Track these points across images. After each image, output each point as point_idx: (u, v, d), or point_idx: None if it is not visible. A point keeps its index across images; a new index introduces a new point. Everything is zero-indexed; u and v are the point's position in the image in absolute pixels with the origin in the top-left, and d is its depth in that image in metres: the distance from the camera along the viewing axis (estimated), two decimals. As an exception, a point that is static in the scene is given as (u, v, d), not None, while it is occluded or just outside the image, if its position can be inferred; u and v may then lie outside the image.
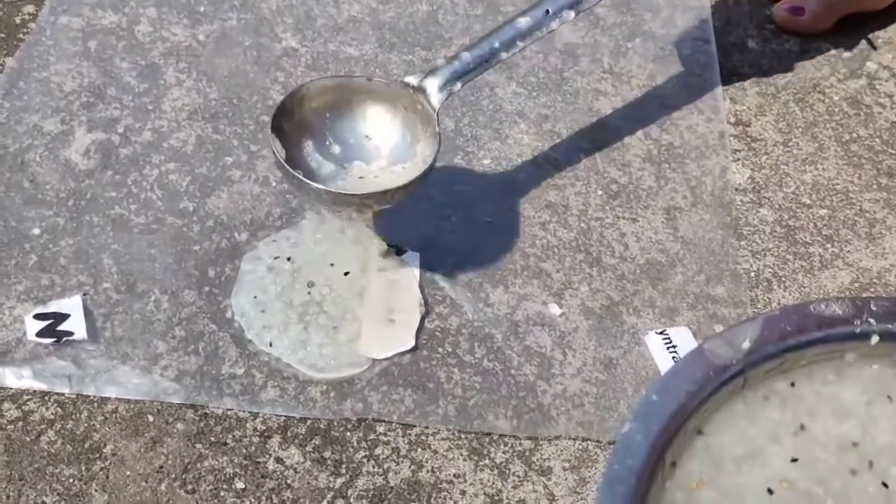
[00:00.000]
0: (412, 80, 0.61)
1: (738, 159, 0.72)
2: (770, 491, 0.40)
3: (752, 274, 0.65)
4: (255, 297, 0.59)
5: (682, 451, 0.41)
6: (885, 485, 0.40)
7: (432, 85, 0.60)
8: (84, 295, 0.59)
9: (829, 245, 0.67)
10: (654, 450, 0.39)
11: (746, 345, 0.42)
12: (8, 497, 0.51)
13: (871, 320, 0.44)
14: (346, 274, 0.61)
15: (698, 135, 0.72)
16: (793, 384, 0.43)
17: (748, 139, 0.73)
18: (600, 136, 0.71)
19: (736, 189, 0.70)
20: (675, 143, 0.72)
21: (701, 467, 0.41)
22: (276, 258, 0.61)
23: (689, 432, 0.41)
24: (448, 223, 0.65)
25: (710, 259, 0.65)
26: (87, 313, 0.58)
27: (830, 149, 0.73)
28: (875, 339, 0.43)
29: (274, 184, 0.66)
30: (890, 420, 0.42)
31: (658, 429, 0.40)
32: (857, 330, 0.43)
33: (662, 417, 0.40)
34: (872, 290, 0.64)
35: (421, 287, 0.62)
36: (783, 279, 0.65)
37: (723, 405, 0.42)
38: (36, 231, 0.62)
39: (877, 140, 0.73)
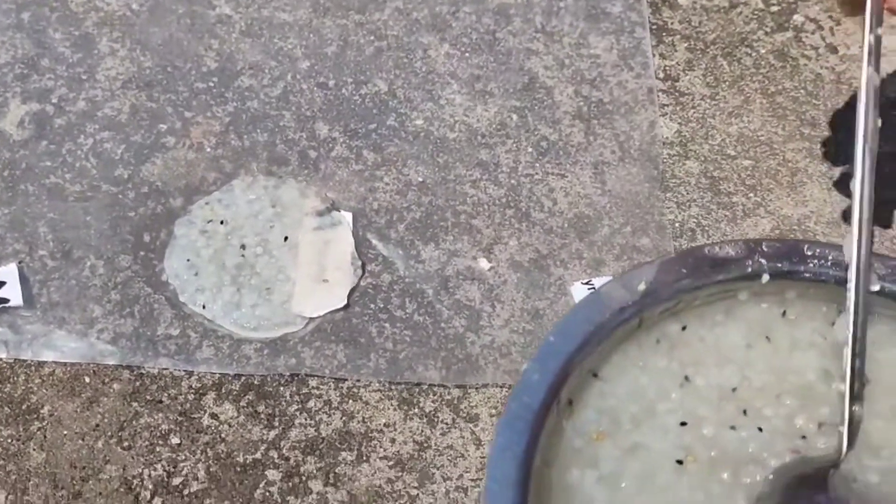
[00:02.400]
0: None
1: (666, 114, 0.73)
2: (679, 462, 0.42)
3: (677, 224, 0.67)
4: (189, 261, 0.61)
5: (578, 393, 0.43)
6: (759, 430, 0.42)
7: None
8: (20, 263, 0.60)
9: (751, 194, 0.69)
10: (550, 388, 0.41)
11: (642, 287, 0.44)
12: (-52, 458, 0.53)
13: (762, 260, 0.46)
14: (285, 239, 0.63)
15: (628, 91, 0.74)
16: (684, 328, 0.45)
17: (676, 94, 0.75)
18: (531, 94, 0.73)
19: (663, 143, 0.71)
20: (604, 100, 0.73)
21: (599, 417, 0.43)
22: (209, 222, 0.63)
23: (585, 373, 0.43)
24: (380, 183, 0.67)
25: (636, 211, 0.67)
26: (24, 280, 0.59)
27: (756, 101, 0.74)
28: (766, 277, 0.45)
29: (208, 150, 0.67)
30: (767, 361, 0.44)
31: (554, 367, 0.41)
32: (749, 269, 0.45)
33: (559, 357, 0.42)
34: (792, 236, 0.67)
35: (354, 246, 0.63)
36: (707, 228, 0.67)
37: (618, 347, 0.44)
38: (-27, 202, 0.63)
39: (801, 91, 0.75)
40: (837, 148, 0.71)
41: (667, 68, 0.76)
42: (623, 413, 0.43)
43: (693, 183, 0.69)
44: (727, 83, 0.75)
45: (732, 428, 0.42)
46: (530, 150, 0.70)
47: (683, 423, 0.43)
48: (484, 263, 0.64)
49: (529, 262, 0.64)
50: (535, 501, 0.39)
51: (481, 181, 0.68)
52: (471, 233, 0.65)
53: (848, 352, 0.41)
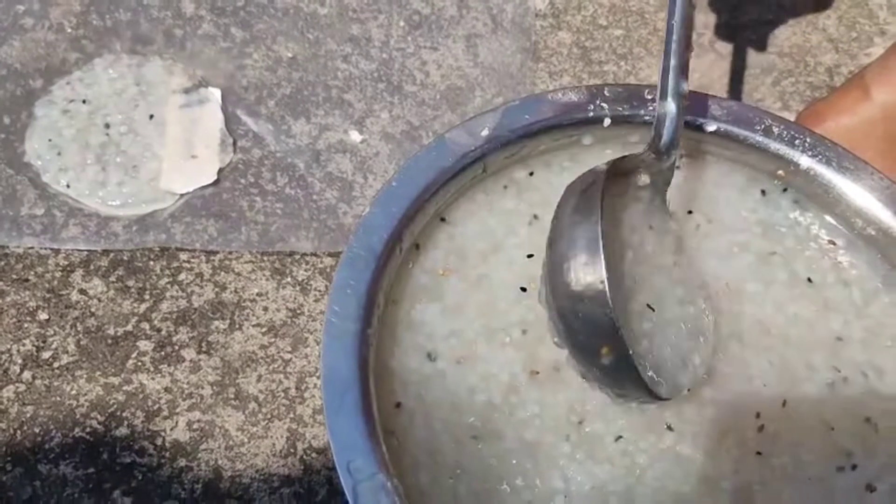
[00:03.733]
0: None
1: (539, -14, 0.73)
2: (523, 289, 0.43)
3: (548, 93, 0.68)
4: (50, 140, 0.60)
5: (426, 237, 0.44)
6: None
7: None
8: None
9: (622, 63, 0.70)
10: (392, 230, 0.42)
11: (486, 132, 0.45)
12: None
13: (604, 105, 0.47)
14: (151, 117, 0.62)
15: (501, -36, 0.74)
16: (531, 174, 0.47)
17: (549, -34, 0.75)
18: (403, -32, 0.72)
19: (536, 15, 0.72)
20: (477, -27, 0.73)
21: (447, 257, 0.44)
22: (71, 101, 0.61)
23: (431, 217, 0.44)
24: (249, 60, 0.66)
25: (508, 82, 0.68)
26: None
27: (628, -28, 0.75)
28: (607, 121, 0.47)
29: (69, 30, 0.65)
30: None
31: (396, 211, 0.42)
32: (591, 114, 0.47)
33: (402, 201, 0.43)
34: (659, 101, 0.68)
35: (224, 123, 0.63)
36: (576, 96, 0.68)
37: (464, 193, 0.45)
38: None
39: (672, -39, 0.75)
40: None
41: (540, -59, 0.76)
42: (470, 250, 0.44)
43: (565, 53, 0.70)
44: (600, -45, 0.76)
45: None
46: (402, 24, 0.70)
47: (530, 256, 0.44)
48: (356, 136, 0.64)
49: (402, 134, 0.65)
50: (380, 336, 0.41)
51: (352, 56, 0.68)
52: (342, 107, 0.65)
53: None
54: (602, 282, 0.37)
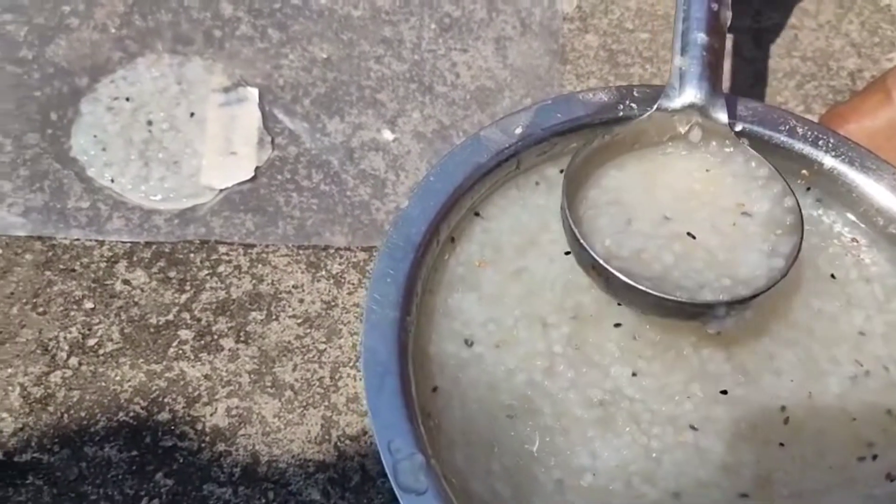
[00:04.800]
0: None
1: (567, -10, 0.75)
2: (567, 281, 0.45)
3: (576, 95, 0.69)
4: (96, 137, 0.62)
5: (461, 231, 0.46)
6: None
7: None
8: (-75, 141, 0.60)
9: (648, 66, 0.72)
10: (430, 223, 0.44)
11: (519, 130, 0.47)
12: None
13: (633, 105, 0.48)
14: (192, 115, 0.64)
15: (530, -32, 0.75)
16: (562, 171, 0.48)
17: (577, -29, 0.76)
18: (435, -27, 0.74)
19: (563, 18, 0.73)
20: (507, -22, 0.75)
21: (482, 250, 0.46)
22: (115, 99, 0.64)
23: (467, 211, 0.46)
24: (286, 60, 0.68)
25: (536, 83, 0.70)
26: (-70, 158, 0.60)
27: (654, -23, 0.76)
28: (636, 121, 0.48)
29: (113, 30, 0.68)
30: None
31: (434, 205, 0.44)
32: (621, 114, 0.48)
33: (438, 195, 0.45)
34: (684, 103, 0.70)
35: (261, 121, 0.65)
36: (603, 98, 0.69)
37: (498, 189, 0.47)
38: None
39: (697, -34, 0.77)
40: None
41: (568, -54, 0.78)
42: (506, 244, 0.46)
43: (592, 56, 0.72)
44: (627, -40, 0.77)
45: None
46: (433, 26, 0.72)
47: (567, 253, 0.46)
48: (388, 135, 0.66)
49: (433, 133, 0.67)
50: (418, 324, 0.42)
51: (385, 57, 0.69)
52: (375, 106, 0.67)
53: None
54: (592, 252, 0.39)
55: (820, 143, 0.49)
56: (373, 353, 0.39)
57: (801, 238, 0.43)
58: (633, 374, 0.43)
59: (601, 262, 0.41)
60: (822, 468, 0.42)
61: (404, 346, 0.40)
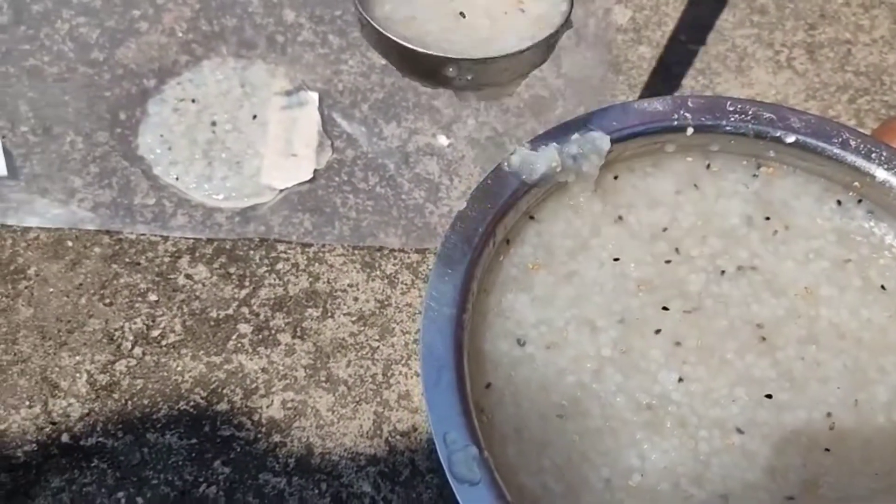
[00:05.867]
0: None
1: (621, 1, 0.76)
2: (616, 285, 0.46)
3: (627, 105, 0.70)
4: (162, 136, 0.64)
5: (516, 233, 0.47)
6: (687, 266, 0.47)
7: None
8: (3, 137, 0.63)
9: (700, 77, 0.73)
10: (487, 225, 0.45)
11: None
12: (-58, 312, 0.57)
13: (688, 115, 0.49)
14: (254, 117, 0.66)
15: (584, -20, 0.77)
16: (616, 177, 0.49)
17: (631, -17, 0.77)
18: (491, -17, 0.75)
19: (617, 29, 0.74)
20: (562, -11, 0.76)
21: (535, 252, 0.47)
22: (181, 100, 0.66)
23: (521, 214, 0.47)
24: (345, 66, 0.70)
25: (589, 93, 0.71)
26: (7, 154, 0.63)
27: (708, -11, 0.77)
28: (690, 130, 0.49)
29: (180, 34, 0.70)
30: (694, 205, 0.49)
31: (490, 206, 0.45)
32: (675, 123, 0.49)
33: (495, 198, 0.46)
34: (736, 115, 0.70)
35: (321, 124, 0.67)
36: (655, 108, 0.70)
37: (552, 194, 0.48)
38: (-45, 83, 0.66)
39: (751, -20, 0.78)
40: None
41: (623, -41, 0.79)
42: (558, 247, 0.47)
43: (645, 66, 0.73)
44: (681, -27, 0.78)
45: (667, 262, 0.47)
46: (489, 35, 0.73)
47: (616, 259, 0.47)
48: (443, 140, 0.68)
49: (486, 140, 0.68)
50: (474, 322, 0.44)
51: (442, 64, 0.71)
52: (430, 112, 0.69)
53: None
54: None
55: (873, 155, 0.49)
56: (430, 348, 0.41)
57: (557, 31, 0.47)
58: (680, 380, 0.44)
59: (365, 16, 0.46)
60: (869, 474, 0.43)
61: (460, 343, 0.41)
